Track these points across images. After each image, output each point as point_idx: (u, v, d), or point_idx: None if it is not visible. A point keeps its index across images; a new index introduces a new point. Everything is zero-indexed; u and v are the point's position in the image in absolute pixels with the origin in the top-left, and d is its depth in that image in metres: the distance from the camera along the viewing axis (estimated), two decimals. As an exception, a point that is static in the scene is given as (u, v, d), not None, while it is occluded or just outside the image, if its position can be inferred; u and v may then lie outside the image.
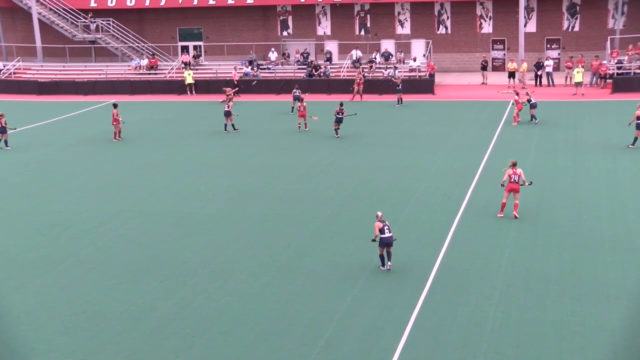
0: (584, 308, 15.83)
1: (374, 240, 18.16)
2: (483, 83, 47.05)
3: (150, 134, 36.19)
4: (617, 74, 44.35)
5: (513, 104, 36.69)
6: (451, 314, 15.78)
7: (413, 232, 20.75)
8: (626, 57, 45.29)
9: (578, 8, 50.26)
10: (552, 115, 36.91)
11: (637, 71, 44.23)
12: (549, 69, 46.57)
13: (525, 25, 48.39)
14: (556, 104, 39.78)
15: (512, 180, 21.58)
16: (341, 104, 33.69)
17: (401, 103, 41.55)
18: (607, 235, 20.14)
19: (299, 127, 35.55)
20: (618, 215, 21.82)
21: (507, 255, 18.95)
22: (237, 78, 47.33)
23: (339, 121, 33.27)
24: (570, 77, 44.68)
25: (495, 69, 51.35)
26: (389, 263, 18.04)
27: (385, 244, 17.91)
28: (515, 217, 21.62)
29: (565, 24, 50.77)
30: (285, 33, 54.66)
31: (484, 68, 47.66)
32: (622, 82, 43.36)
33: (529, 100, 35.47)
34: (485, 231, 20.86)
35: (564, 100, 38.68)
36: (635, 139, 29.62)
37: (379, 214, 18.17)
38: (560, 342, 14.44)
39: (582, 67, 43.35)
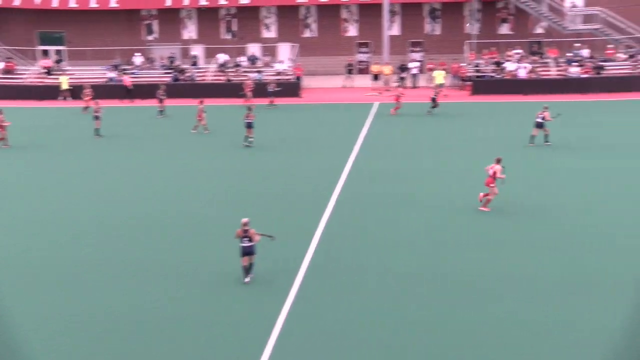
0: (434, 305, 16.34)
1: (270, 237, 17.80)
2: (344, 86, 47.69)
3: (40, 141, 34.66)
4: (476, 76, 46.25)
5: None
6: (319, 316, 15.85)
7: (279, 234, 20.77)
8: (482, 61, 47.33)
9: (438, 13, 52.06)
10: (416, 116, 38.03)
11: (493, 74, 46.28)
12: (414, 71, 47.99)
13: (389, 29, 49.62)
14: (420, 105, 40.99)
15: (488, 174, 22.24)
16: (249, 108, 33.13)
17: (273, 106, 41.76)
18: (453, 233, 20.89)
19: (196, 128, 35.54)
20: (466, 214, 22.70)
21: (376, 254, 19.27)
22: (129, 84, 46.05)
23: (249, 126, 32.66)
24: (432, 80, 46.40)
25: (361, 71, 52.37)
26: (250, 275, 17.34)
27: (245, 253, 17.25)
28: (483, 209, 22.35)
29: (427, 28, 52.47)
30: (150, 37, 53.74)
31: (349, 72, 48.50)
32: (480, 85, 45.24)
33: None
34: (353, 231, 21.16)
35: (427, 101, 39.89)
36: (532, 137, 30.95)
37: (244, 220, 17.41)
38: (420, 340, 14.85)
39: (444, 69, 44.96)
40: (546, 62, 47.47)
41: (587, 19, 48.42)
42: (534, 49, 49.80)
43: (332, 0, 51.23)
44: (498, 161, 22.32)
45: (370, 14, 51.30)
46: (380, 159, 29.44)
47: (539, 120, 30.75)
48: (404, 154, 30.51)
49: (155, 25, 53.60)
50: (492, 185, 22.30)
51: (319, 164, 29.07)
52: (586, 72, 45.34)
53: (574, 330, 14.88)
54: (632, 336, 14.83)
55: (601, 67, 45.59)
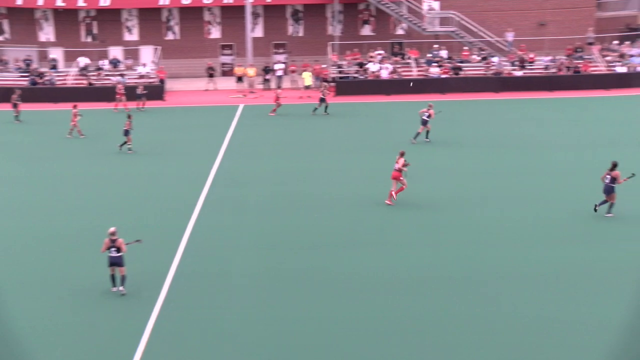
0: (303, 303, 16.53)
1: (138, 241, 17.45)
2: (207, 89, 47.19)
3: None
4: (339, 77, 46.97)
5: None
6: (187, 320, 15.72)
7: (147, 241, 20.39)
8: (345, 62, 48.14)
9: (301, 15, 52.49)
10: (283, 117, 38.26)
11: (356, 75, 47.16)
12: (279, 73, 48.16)
13: (252, 31, 49.58)
14: (285, 107, 41.17)
15: (395, 169, 23.02)
16: (129, 116, 32.01)
17: (143, 109, 40.85)
18: (334, 233, 21.21)
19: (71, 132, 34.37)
20: (336, 212, 23.07)
21: (242, 256, 19.25)
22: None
23: (126, 134, 31.46)
24: (296, 81, 46.86)
25: (224, 73, 52.02)
26: (121, 287, 16.96)
27: (112, 263, 16.90)
28: (390, 202, 23.04)
29: (290, 30, 52.78)
30: (1, 38, 51.33)
31: (210, 75, 47.88)
32: (344, 85, 45.97)
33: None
34: (219, 234, 21.07)
35: (292, 103, 40.14)
36: (418, 134, 31.92)
37: (111, 230, 17.03)
38: (289, 338, 14.97)
39: (311, 70, 45.43)
40: (407, 63, 48.82)
41: (444, 21, 50.16)
42: (396, 50, 51.08)
43: (194, 3, 50.63)
44: (402, 154, 23.15)
45: (233, 16, 51.08)
46: (246, 161, 29.43)
47: (425, 117, 31.76)
48: (270, 155, 30.61)
49: (6, 25, 51.19)
50: (401, 178, 23.05)
51: (185, 168, 28.73)
52: (445, 73, 46.97)
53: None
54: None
55: (459, 68, 47.36)
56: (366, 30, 52.78)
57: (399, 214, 22.49)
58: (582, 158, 28.86)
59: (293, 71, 47.91)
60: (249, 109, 41.07)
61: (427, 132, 32.15)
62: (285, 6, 52.14)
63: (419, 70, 47.93)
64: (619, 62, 47.45)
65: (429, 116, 31.87)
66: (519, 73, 47.16)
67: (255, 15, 51.15)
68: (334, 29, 51.18)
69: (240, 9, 48.81)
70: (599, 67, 47.52)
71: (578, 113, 38.56)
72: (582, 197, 23.41)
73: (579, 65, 47.02)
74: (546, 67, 47.55)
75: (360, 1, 51.65)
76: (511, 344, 14.61)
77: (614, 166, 21.62)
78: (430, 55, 48.83)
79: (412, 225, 21.60)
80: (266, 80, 47.91)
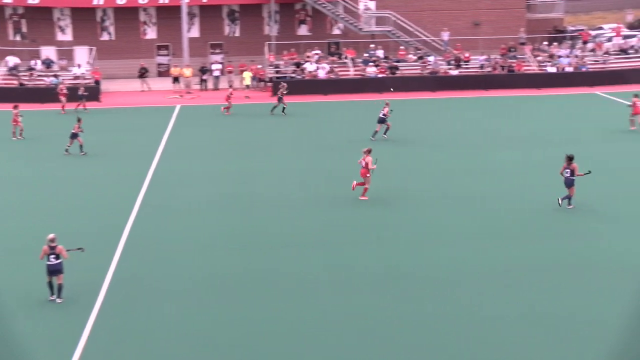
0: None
1: (80, 250, 17.08)
2: (143, 90, 46.55)
3: None
4: (276, 77, 46.92)
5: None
6: (127, 325, 15.51)
7: (82, 244, 20.02)
8: (282, 62, 48.13)
9: (237, 15, 52.27)
10: (223, 117, 38.07)
11: (293, 75, 47.19)
12: (216, 73, 47.84)
13: (188, 31, 49.15)
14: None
15: (361, 165, 23.40)
16: (79, 119, 31.21)
17: (85, 110, 40.11)
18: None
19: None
20: (276, 212, 23.08)
21: (183, 259, 19.08)
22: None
23: (73, 137, 30.66)
24: (233, 82, 46.81)
25: (161, 74, 51.46)
26: (58, 299, 16.55)
27: (50, 271, 16.44)
28: (362, 198, 23.51)
29: (227, 30, 52.51)
30: None
31: (141, 75, 47.10)
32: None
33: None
34: (157, 237, 20.84)
35: (235, 103, 39.92)
36: (376, 132, 32.21)
37: (50, 236, 16.47)
38: (230, 340, 14.91)
39: (251, 70, 45.32)
40: (344, 63, 49.06)
41: (380, 21, 50.58)
42: (332, 50, 51.27)
43: (129, 3, 49.89)
44: (368, 152, 23.37)
45: (169, 17, 50.53)
46: (183, 163, 29.19)
47: (381, 115, 32.25)
48: (208, 156, 30.41)
49: None
50: (367, 175, 23.32)
51: (122, 170, 28.33)
52: (382, 72, 47.35)
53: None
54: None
55: (396, 68, 47.80)
56: (303, 30, 52.85)
57: (342, 213, 22.58)
58: (526, 155, 29.30)
59: (230, 71, 47.70)
60: (186, 109, 40.73)
61: (387, 129, 32.69)
62: (221, 6, 51.82)
63: (355, 70, 48.21)
64: (549, 62, 48.57)
65: (384, 114, 32.32)
66: (454, 72, 47.86)
67: (191, 15, 50.73)
68: (271, 29, 51.11)
69: (176, 9, 48.34)
70: (531, 67, 48.56)
71: (513, 111, 39.26)
72: (533, 193, 24.03)
73: (512, 65, 47.96)
74: (481, 66, 48.37)
75: (296, 1, 51.70)
76: (472, 340, 14.81)
77: (571, 159, 22.20)
78: (367, 54, 49.17)
79: (358, 223, 21.70)
80: (203, 81, 47.56)
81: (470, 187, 25.15)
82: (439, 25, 51.65)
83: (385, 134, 32.58)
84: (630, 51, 50.77)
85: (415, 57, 49.20)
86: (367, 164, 23.36)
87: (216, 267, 18.60)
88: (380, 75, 47.10)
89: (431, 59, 48.59)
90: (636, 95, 33.41)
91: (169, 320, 15.74)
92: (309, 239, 20.53)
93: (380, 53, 49.33)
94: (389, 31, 50.15)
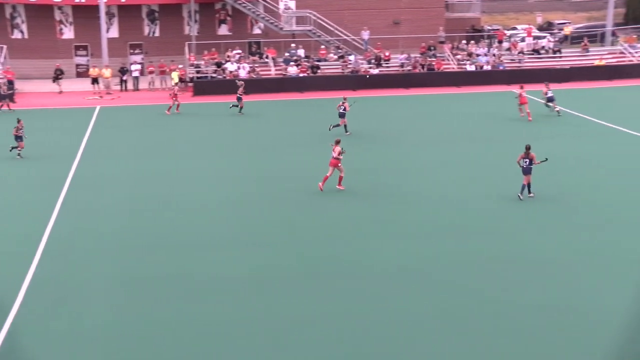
0: (185, 305, 16.32)
1: None
2: (61, 91, 45.44)
3: None
4: (197, 77, 46.57)
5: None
6: (45, 329, 15.14)
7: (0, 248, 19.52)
8: (203, 62, 47.76)
9: (157, 14, 51.60)
10: (148, 119, 37.53)
11: (214, 75, 46.91)
12: (136, 74, 47.13)
13: (107, 31, 48.26)
14: (151, 107, 40.37)
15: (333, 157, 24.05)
16: (19, 120, 30.04)
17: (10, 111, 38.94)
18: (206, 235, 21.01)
19: None
20: (198, 214, 22.90)
21: (103, 261, 18.74)
22: None
23: (17, 139, 29.55)
24: (153, 82, 46.31)
25: (79, 75, 50.38)
26: None
27: None
28: (339, 188, 24.37)
29: (147, 30, 51.79)
30: None
31: (57, 78, 45.80)
32: (202, 85, 45.60)
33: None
34: (78, 239, 20.41)
35: (161, 103, 39.31)
36: (337, 126, 32.93)
37: None
38: (139, 343, 14.73)
39: (177, 70, 44.87)
40: (266, 62, 49.02)
41: (300, 20, 50.71)
42: (254, 50, 51.16)
43: (42, 0, 48.62)
44: (337, 142, 24.22)
45: (86, 16, 49.44)
46: (104, 164, 28.67)
47: (341, 110, 32.89)
48: (129, 157, 29.93)
49: None
50: (338, 165, 24.19)
51: (40, 172, 27.65)
52: (303, 72, 47.50)
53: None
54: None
55: (317, 67, 48.01)
56: (223, 30, 52.57)
57: (257, 213, 22.55)
58: (454, 152, 29.80)
59: (151, 72, 47.07)
60: (106, 110, 40.00)
61: (345, 125, 33.13)
62: (140, 6, 51.07)
63: (277, 70, 48.23)
64: (468, 60, 49.61)
65: (344, 109, 32.94)
66: (375, 71, 48.38)
67: (110, 15, 49.87)
68: (191, 29, 50.67)
69: (94, 8, 47.39)
70: (451, 65, 49.50)
71: (435, 109, 39.88)
72: (472, 186, 24.52)
73: (432, 63, 48.79)
74: (402, 65, 49.04)
75: (216, 1, 51.39)
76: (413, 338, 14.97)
77: (528, 149, 23.20)
78: (288, 54, 49.25)
79: (278, 223, 21.71)
80: (123, 82, 46.78)
81: (400, 184, 25.50)
82: (359, 25, 52.13)
83: (334, 127, 33.11)
84: (542, 51, 52.36)
85: (336, 57, 49.54)
86: (339, 153, 24.15)
87: (135, 268, 18.34)
88: (301, 75, 47.24)
89: (352, 58, 49.01)
90: (522, 87, 36.36)
91: (90, 322, 15.44)
92: (231, 239, 20.43)
93: (301, 52, 49.49)
94: (309, 30, 50.35)
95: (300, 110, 39.40)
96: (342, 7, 53.13)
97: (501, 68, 49.18)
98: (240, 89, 38.88)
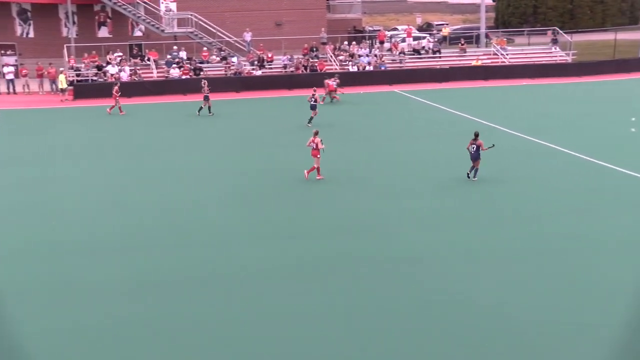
0: (76, 310, 15.84)
1: None
2: None
3: None
4: (77, 81, 45.28)
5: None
6: None
7: None
8: (83, 65, 46.48)
9: (30, 14, 49.80)
10: (21, 121, 36.16)
11: (95, 78, 45.74)
12: (10, 77, 45.33)
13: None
14: (35, 111, 38.88)
15: (311, 147, 24.91)
16: None
17: None
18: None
19: None
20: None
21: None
22: None
23: None
24: (28, 85, 44.80)
25: (-53, 78, 48.10)
26: None
27: None
28: (319, 178, 25.18)
29: (19, 30, 49.94)
30: None
31: None
32: (83, 89, 44.38)
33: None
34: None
35: (51, 107, 37.96)
36: (311, 118, 34.47)
37: None
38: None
39: (64, 74, 43.46)
40: (147, 65, 48.21)
41: (182, 22, 50.16)
42: (135, 52, 50.18)
43: None
44: (316, 134, 25.03)
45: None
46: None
47: (312, 102, 34.69)
48: (3, 162, 28.77)
49: None
50: (318, 156, 24.93)
51: None
52: (185, 74, 47.00)
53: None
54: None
55: (199, 69, 47.61)
56: (104, 32, 51.36)
57: (142, 217, 22.16)
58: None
59: (25, 75, 45.40)
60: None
61: (311, 118, 34.53)
62: (9, 4, 49.09)
63: (159, 72, 47.54)
64: (350, 61, 50.37)
65: (315, 101, 34.72)
66: (258, 72, 48.42)
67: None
68: (69, 30, 49.19)
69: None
70: (333, 66, 50.10)
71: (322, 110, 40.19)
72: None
73: (315, 64, 49.25)
74: (285, 66, 49.28)
75: (95, 2, 50.08)
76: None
77: (477, 136, 24.64)
78: (170, 56, 48.63)
79: (158, 228, 21.37)
80: (-5, 85, 44.99)
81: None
82: (241, 26, 52.08)
83: (309, 122, 34.42)
84: (422, 52, 53.80)
85: (218, 58, 49.28)
86: (317, 144, 24.78)
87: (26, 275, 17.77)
88: (184, 77, 46.74)
89: (234, 59, 48.88)
90: (326, 77, 40.70)
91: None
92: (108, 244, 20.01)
93: (183, 54, 48.97)
94: (191, 32, 49.88)
95: (183, 113, 38.92)
96: (223, 8, 52.95)
97: (383, 68, 50.18)
98: (206, 88, 38.12)
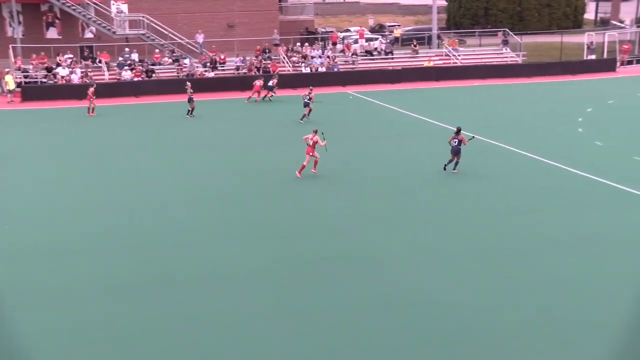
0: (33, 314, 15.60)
1: None
2: None
3: None
4: (25, 82, 44.52)
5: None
6: None
7: None
8: (31, 66, 45.71)
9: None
10: None
11: (44, 80, 45.03)
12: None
13: None
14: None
15: (308, 144, 25.65)
16: None
17: None
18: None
19: None
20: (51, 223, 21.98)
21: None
22: None
23: None
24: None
25: None
26: None
27: None
28: (314, 172, 26.10)
29: (-39, 30, 48.93)
30: None
31: None
32: (31, 91, 43.65)
33: None
34: None
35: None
36: (304, 115, 35.93)
37: None
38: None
39: (11, 74, 42.62)
40: (99, 67, 47.63)
41: (133, 24, 49.65)
42: (86, 54, 49.46)
43: None
44: (315, 132, 25.83)
45: None
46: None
47: (306, 100, 36.15)
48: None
49: None
50: (310, 153, 25.73)
51: None
52: (138, 76, 46.55)
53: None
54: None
55: (152, 71, 47.20)
56: (52, 33, 50.58)
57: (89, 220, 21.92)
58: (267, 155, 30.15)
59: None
60: None
61: (304, 115, 36.20)
62: (-52, 1, 48.03)
63: (110, 74, 47.01)
64: (303, 62, 50.42)
65: (310, 99, 36.11)
66: (211, 74, 48.19)
67: None
68: (15, 30, 48.30)
69: None
70: (286, 68, 50.09)
71: (267, 112, 40.13)
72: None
73: (268, 66, 49.17)
74: (237, 68, 49.12)
75: (42, 2, 49.26)
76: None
77: (459, 131, 25.93)
78: (122, 58, 48.11)
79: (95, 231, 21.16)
80: None
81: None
82: (193, 28, 51.80)
83: (302, 119, 36.03)
84: (375, 53, 54.14)
85: (170, 60, 48.92)
86: (314, 142, 25.58)
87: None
88: (136, 79, 46.30)
89: (187, 61, 48.59)
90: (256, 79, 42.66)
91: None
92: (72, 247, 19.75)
93: (135, 56, 48.49)
94: (143, 34, 49.42)
95: (136, 115, 38.55)
96: (175, 10, 52.62)
97: (336, 70, 50.35)
98: (189, 90, 37.74)
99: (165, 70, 48.24)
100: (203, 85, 46.30)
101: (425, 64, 52.56)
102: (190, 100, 37.62)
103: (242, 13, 54.68)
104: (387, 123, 36.39)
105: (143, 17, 49.42)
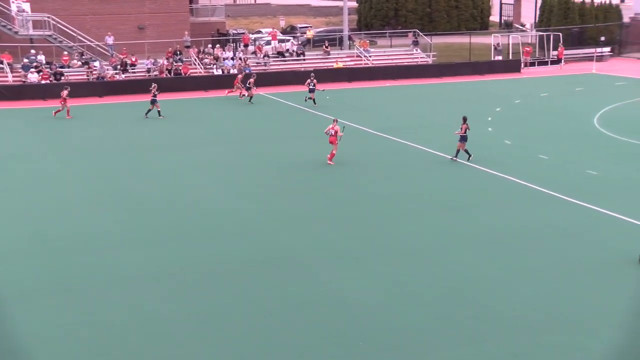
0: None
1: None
2: None
3: None
4: None
5: None
6: None
7: None
8: None
9: None
10: None
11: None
12: None
13: None
14: None
15: (329, 134, 26.51)
16: None
17: None
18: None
19: None
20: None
21: None
22: None
23: None
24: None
25: None
26: None
27: None
28: (330, 163, 26.89)
29: None
30: None
31: None
32: None
33: None
34: None
35: None
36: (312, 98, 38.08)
37: None
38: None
39: None
40: (1, 68, 46.08)
41: (38, 24, 48.25)
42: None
43: None
44: (336, 121, 26.68)
45: None
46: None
47: (311, 86, 39.34)
48: None
49: None
50: (336, 142, 26.55)
51: None
52: (45, 79, 45.27)
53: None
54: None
55: (60, 74, 45.99)
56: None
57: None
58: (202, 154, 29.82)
59: None
60: None
61: (310, 98, 39.78)
62: None
63: (14, 76, 45.57)
64: (215, 64, 50.06)
65: (314, 85, 39.64)
66: (122, 77, 47.30)
67: None
68: None
69: None
70: (198, 70, 49.63)
71: (181, 113, 39.65)
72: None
73: (179, 68, 48.61)
74: (149, 70, 48.39)
75: None
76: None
77: (465, 120, 27.46)
78: (27, 60, 46.67)
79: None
80: None
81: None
82: (103, 30, 50.81)
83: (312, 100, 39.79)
84: (287, 54, 54.22)
85: (80, 63, 47.78)
86: (335, 132, 26.24)
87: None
88: (43, 82, 45.01)
89: (97, 64, 47.56)
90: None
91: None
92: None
93: (41, 58, 47.11)
94: (49, 36, 48.09)
95: (43, 117, 37.51)
96: (83, 12, 51.50)
97: (248, 71, 50.16)
98: (153, 91, 36.92)
99: (74, 73, 47.06)
100: (114, 88, 45.45)
101: (334, 65, 52.89)
102: (153, 101, 37.18)
103: (152, 15, 53.91)
104: (298, 124, 36.48)
105: (48, 17, 48.07)
